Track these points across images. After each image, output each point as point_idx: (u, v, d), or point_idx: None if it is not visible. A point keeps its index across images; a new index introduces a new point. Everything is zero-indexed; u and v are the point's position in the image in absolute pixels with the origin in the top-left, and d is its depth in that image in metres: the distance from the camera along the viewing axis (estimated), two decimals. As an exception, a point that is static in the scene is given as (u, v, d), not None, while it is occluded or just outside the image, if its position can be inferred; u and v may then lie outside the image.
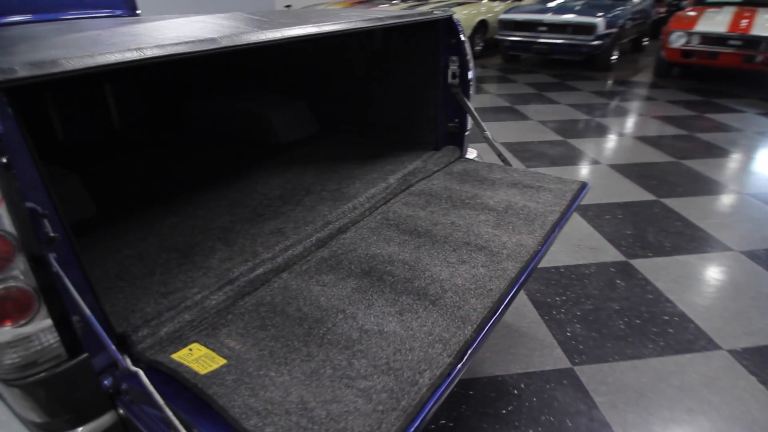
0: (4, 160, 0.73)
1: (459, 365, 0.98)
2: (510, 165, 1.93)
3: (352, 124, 2.42)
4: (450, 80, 1.91)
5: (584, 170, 3.66)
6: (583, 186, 1.73)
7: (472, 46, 7.94)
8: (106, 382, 0.95)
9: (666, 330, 2.00)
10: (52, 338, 0.83)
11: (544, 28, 6.93)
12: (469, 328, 1.05)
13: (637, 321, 2.05)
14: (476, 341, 1.04)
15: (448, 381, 0.94)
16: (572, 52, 6.91)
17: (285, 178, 1.89)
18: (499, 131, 4.54)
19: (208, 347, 1.03)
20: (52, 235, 0.81)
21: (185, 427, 0.83)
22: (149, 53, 0.94)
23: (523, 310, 2.13)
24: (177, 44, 0.99)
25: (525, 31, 7.09)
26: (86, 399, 0.93)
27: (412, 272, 1.26)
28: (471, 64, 1.90)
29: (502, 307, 1.15)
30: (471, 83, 1.92)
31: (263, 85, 2.88)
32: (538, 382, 1.76)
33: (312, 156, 2.13)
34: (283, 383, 0.92)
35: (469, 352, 1.01)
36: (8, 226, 0.74)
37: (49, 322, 0.82)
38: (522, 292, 2.24)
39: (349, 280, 1.24)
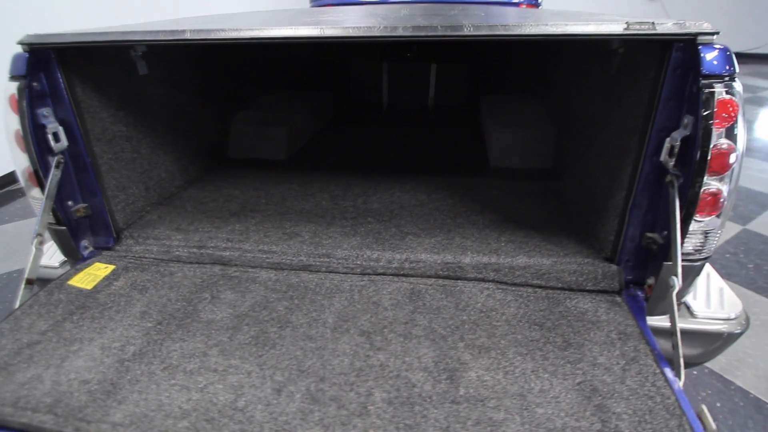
0: (25, 106, 1.15)
1: None
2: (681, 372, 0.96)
3: (570, 172, 1.79)
4: (663, 158, 1.10)
5: None
6: None
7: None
8: (86, 253, 1.39)
9: None
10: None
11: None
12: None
13: None
14: None
15: None
16: None
17: (434, 202, 1.69)
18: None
19: (107, 274, 1.29)
20: (51, 145, 1.24)
21: None
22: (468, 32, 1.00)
23: None
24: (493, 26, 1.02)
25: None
26: (71, 253, 1.38)
27: (306, 346, 1.05)
28: (725, 141, 0.99)
29: None
30: (714, 180, 1.02)
31: (538, 96, 2.56)
32: None
33: (486, 192, 1.79)
34: (58, 339, 1.06)
35: None
36: (23, 133, 1.18)
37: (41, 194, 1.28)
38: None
39: (281, 303, 1.18)
